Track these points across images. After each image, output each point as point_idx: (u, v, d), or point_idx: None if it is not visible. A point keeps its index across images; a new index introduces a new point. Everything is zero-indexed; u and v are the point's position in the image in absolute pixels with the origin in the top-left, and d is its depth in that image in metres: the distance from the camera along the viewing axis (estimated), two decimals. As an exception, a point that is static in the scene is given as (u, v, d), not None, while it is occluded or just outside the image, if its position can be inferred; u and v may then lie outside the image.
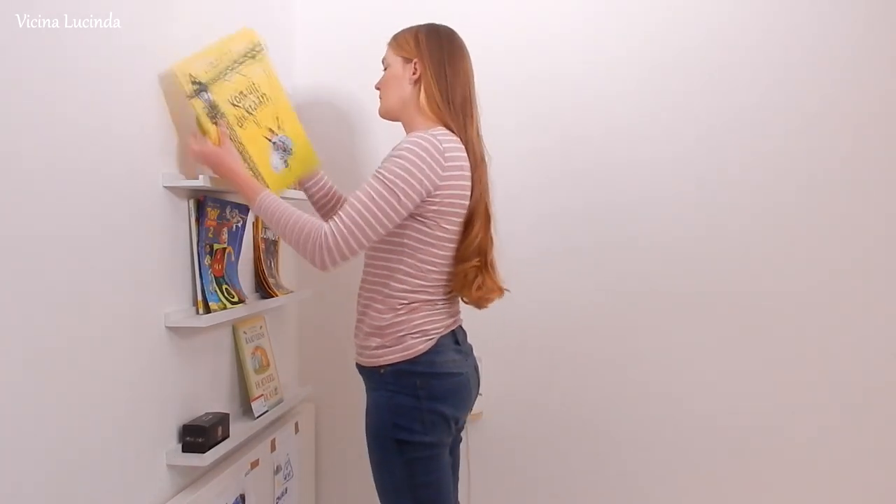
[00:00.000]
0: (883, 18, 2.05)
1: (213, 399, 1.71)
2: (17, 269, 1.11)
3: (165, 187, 1.51)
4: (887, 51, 2.05)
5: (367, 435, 1.53)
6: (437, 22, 1.63)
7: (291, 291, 2.07)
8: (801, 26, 2.08)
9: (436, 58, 1.55)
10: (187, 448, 1.53)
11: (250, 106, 1.61)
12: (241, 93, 1.59)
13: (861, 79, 2.06)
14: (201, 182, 1.52)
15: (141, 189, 1.43)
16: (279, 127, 1.66)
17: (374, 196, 1.40)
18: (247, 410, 1.83)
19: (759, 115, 2.09)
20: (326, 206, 1.84)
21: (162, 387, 1.51)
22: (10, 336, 1.10)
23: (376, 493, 1.56)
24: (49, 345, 1.18)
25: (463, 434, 1.70)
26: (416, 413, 1.47)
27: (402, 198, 1.41)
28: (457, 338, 1.58)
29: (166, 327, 1.51)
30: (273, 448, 1.91)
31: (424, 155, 1.42)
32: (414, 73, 1.56)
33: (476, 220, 1.52)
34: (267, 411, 1.84)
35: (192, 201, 1.59)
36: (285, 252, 2.14)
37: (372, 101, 2.16)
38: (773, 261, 2.10)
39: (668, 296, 2.14)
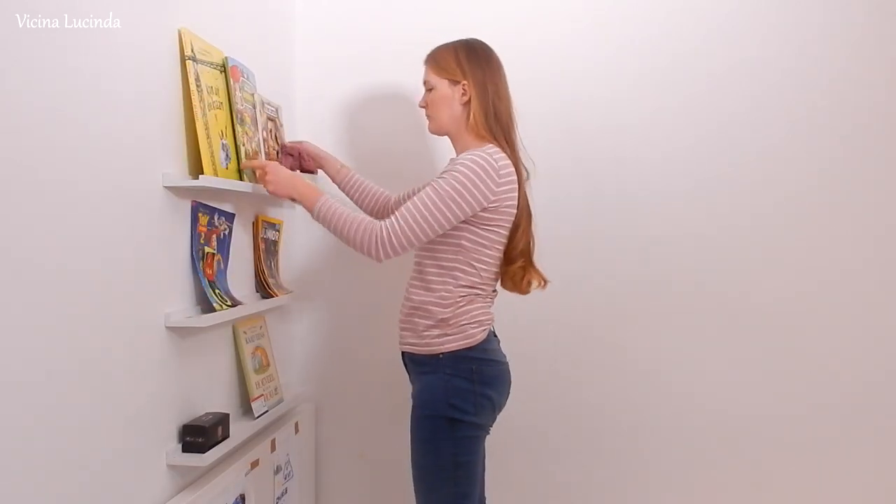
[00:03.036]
0: (882, 20, 2.05)
1: (213, 399, 1.71)
2: (17, 269, 1.11)
3: (166, 187, 1.50)
4: (887, 50, 2.05)
5: (415, 416, 1.64)
6: (462, 36, 1.71)
7: (291, 291, 2.07)
8: (800, 26, 2.08)
9: (478, 78, 1.66)
10: (187, 448, 1.53)
11: (215, 103, 1.66)
12: (212, 87, 1.65)
13: (862, 79, 2.06)
14: (201, 182, 1.52)
15: (141, 189, 1.43)
16: (223, 135, 1.70)
17: (430, 205, 1.56)
18: (247, 410, 1.83)
19: (766, 114, 2.09)
20: (369, 204, 1.97)
21: (162, 387, 1.51)
22: (10, 335, 1.10)
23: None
24: (49, 345, 1.18)
25: None
26: (471, 395, 1.60)
27: (455, 209, 1.57)
28: (494, 331, 1.73)
29: (166, 327, 1.51)
30: (273, 448, 1.91)
31: (481, 173, 1.56)
32: (464, 95, 1.67)
33: (521, 225, 1.67)
34: (267, 411, 1.85)
35: (192, 201, 1.59)
36: (285, 252, 2.14)
37: (371, 107, 2.18)
38: (776, 258, 2.10)
39: (671, 294, 2.14)
